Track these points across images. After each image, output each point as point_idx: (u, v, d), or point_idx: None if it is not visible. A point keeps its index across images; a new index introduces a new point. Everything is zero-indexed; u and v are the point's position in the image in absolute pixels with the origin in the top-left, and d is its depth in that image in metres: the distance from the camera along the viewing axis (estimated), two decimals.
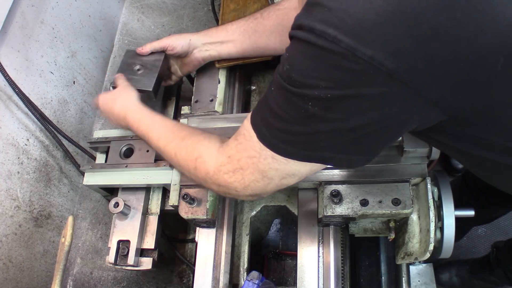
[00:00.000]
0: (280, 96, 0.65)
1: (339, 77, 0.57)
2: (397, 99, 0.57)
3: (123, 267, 1.17)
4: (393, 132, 0.66)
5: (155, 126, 1.00)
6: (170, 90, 1.38)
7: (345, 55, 0.54)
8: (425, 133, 0.69)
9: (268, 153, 0.70)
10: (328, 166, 0.73)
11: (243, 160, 0.75)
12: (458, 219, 0.99)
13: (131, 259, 1.14)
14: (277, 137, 0.68)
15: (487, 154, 0.67)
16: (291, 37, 0.62)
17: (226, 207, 1.17)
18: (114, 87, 1.16)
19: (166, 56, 1.23)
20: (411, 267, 1.23)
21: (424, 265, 1.22)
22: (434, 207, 0.97)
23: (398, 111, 0.59)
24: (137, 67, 1.21)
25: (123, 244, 1.17)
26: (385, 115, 0.60)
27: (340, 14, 0.53)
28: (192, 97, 1.27)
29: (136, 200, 1.21)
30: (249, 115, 0.76)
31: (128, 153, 1.24)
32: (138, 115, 1.04)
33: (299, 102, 0.61)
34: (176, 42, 1.19)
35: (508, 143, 0.63)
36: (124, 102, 1.08)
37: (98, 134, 1.31)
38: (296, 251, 1.11)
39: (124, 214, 1.18)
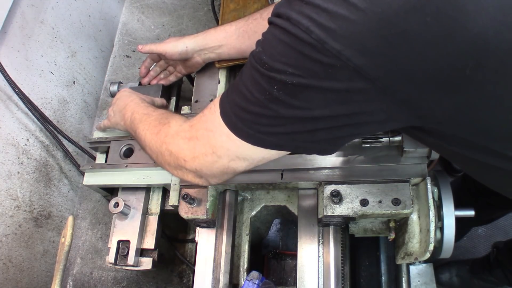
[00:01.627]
0: (249, 76, 0.66)
1: (307, 66, 0.58)
2: (363, 95, 0.58)
3: (123, 267, 1.17)
4: (359, 128, 0.67)
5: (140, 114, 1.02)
6: (170, 90, 1.38)
7: (315, 46, 0.56)
8: (416, 134, 0.70)
9: (224, 130, 0.71)
10: (286, 154, 0.74)
11: (201, 131, 0.76)
12: (458, 220, 0.99)
13: (131, 259, 1.14)
14: (237, 115, 0.69)
15: (477, 156, 0.68)
16: (270, 22, 0.64)
17: (226, 207, 1.17)
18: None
19: (163, 87, 1.31)
20: (411, 267, 1.23)
21: (424, 265, 1.22)
22: (434, 207, 0.97)
23: (364, 108, 0.60)
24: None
25: (123, 244, 1.17)
26: (350, 110, 0.61)
27: (315, 8, 0.55)
28: (192, 97, 1.27)
29: (136, 200, 1.22)
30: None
31: (128, 153, 1.24)
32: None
33: (265, 84, 0.63)
34: (174, 50, 1.19)
35: (490, 144, 0.64)
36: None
37: (98, 134, 1.31)
38: (296, 251, 1.11)
39: (124, 214, 1.18)
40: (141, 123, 0.96)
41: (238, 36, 1.15)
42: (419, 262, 1.17)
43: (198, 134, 0.77)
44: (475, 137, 0.64)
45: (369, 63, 0.55)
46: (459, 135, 0.64)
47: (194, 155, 0.78)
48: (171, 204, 1.14)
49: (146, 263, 1.17)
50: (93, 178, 1.23)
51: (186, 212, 1.09)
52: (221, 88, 1.26)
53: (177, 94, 1.38)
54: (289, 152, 0.73)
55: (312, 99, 0.61)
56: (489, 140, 0.63)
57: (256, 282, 1.03)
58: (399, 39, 0.53)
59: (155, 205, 1.23)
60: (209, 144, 0.75)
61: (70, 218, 0.97)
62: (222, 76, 1.29)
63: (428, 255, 0.96)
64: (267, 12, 1.13)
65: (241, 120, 0.68)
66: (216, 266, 1.12)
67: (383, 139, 1.04)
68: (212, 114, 0.74)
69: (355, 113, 0.61)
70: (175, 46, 1.19)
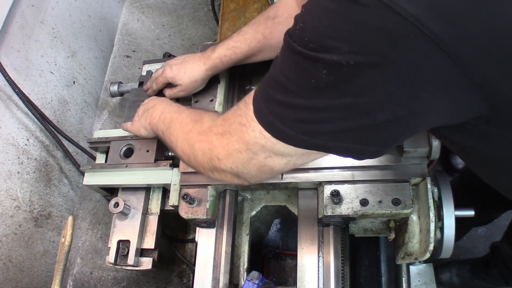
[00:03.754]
0: (287, 62, 0.55)
1: (367, 39, 0.45)
2: (435, 75, 0.46)
3: (123, 267, 1.17)
4: (417, 123, 0.54)
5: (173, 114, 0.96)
6: None
7: (380, 11, 0.43)
8: (443, 132, 0.60)
9: (258, 126, 0.62)
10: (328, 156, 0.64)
11: (234, 126, 0.68)
12: (457, 220, 0.99)
13: (131, 259, 1.14)
14: (275, 113, 0.58)
15: None
16: None
17: (226, 207, 1.17)
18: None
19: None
20: (411, 267, 1.23)
21: (424, 265, 1.22)
22: (434, 207, 0.97)
23: (433, 93, 0.48)
24: (141, 103, 1.26)
25: (123, 244, 1.17)
26: (414, 97, 0.49)
27: None
28: (192, 97, 1.27)
29: (136, 200, 1.21)
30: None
31: (128, 153, 1.24)
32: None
33: (310, 69, 0.50)
34: (189, 88, 1.17)
35: None
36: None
37: (98, 134, 1.31)
38: (296, 251, 1.11)
39: (124, 214, 1.18)
40: (172, 122, 0.90)
41: (245, 57, 1.10)
42: (419, 262, 1.17)
43: (231, 129, 0.68)
44: None
45: (452, 32, 0.43)
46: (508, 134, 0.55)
47: (228, 152, 0.69)
48: (171, 204, 1.14)
49: (146, 263, 1.17)
50: (93, 178, 1.23)
51: (186, 212, 1.09)
52: (221, 88, 1.26)
53: None
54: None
55: (371, 83, 0.48)
56: None
57: (256, 282, 1.03)
58: (491, 2, 0.42)
59: (155, 205, 1.23)
60: (242, 140, 0.66)
61: (70, 218, 0.97)
62: (222, 76, 1.29)
63: (428, 255, 0.96)
64: (269, 30, 1.06)
65: (280, 119, 0.58)
66: (216, 266, 1.12)
67: None
68: (246, 108, 0.65)
69: (420, 101, 0.49)
70: (188, 86, 1.16)
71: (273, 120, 0.59)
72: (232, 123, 0.69)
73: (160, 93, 1.27)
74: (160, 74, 1.20)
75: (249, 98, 0.66)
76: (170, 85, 1.22)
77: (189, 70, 1.15)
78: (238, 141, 0.67)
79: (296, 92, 0.54)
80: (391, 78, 0.47)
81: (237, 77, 1.37)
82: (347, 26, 0.46)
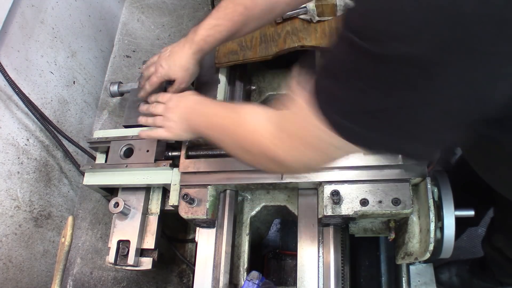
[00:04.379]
0: (358, 60, 0.49)
1: (456, 25, 0.40)
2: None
3: (123, 267, 1.17)
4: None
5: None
6: None
7: None
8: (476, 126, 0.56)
9: (327, 130, 0.57)
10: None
11: (297, 132, 0.65)
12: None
13: (131, 259, 1.14)
14: (345, 115, 0.54)
15: None
16: None
17: (226, 207, 1.17)
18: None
19: (165, 88, 1.26)
20: (411, 267, 1.23)
21: (424, 265, 1.22)
22: (434, 207, 0.97)
23: (506, 81, 0.44)
24: (142, 103, 1.27)
25: (123, 244, 1.17)
26: (495, 86, 0.44)
27: None
28: None
29: (136, 200, 1.21)
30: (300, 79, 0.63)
31: (128, 153, 1.24)
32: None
33: (387, 65, 0.44)
34: (185, 78, 1.13)
35: None
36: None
37: (98, 134, 1.31)
38: (296, 251, 1.11)
39: (124, 214, 1.18)
40: (218, 129, 0.86)
41: (228, 34, 1.05)
42: (419, 262, 1.17)
43: (296, 136, 0.65)
44: None
45: None
46: None
47: (297, 157, 0.68)
48: (171, 204, 1.14)
49: (146, 263, 1.17)
50: (93, 178, 1.23)
51: (186, 212, 1.10)
52: (221, 88, 1.26)
53: None
54: None
55: (462, 77, 0.43)
56: None
57: (256, 282, 1.03)
58: None
59: (155, 205, 1.23)
60: (311, 144, 0.63)
61: (70, 218, 0.97)
62: (222, 76, 1.29)
63: (428, 255, 0.96)
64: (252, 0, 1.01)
65: (350, 119, 0.54)
66: (216, 266, 1.12)
67: None
68: (303, 111, 0.60)
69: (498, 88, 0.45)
70: (184, 76, 1.12)
71: (344, 123, 0.55)
72: (292, 129, 0.65)
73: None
74: (152, 73, 1.17)
75: (302, 101, 0.60)
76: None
77: (178, 61, 1.11)
78: (306, 145, 0.64)
79: (370, 93, 0.50)
80: (492, 69, 0.43)
81: (237, 77, 1.37)
82: (434, 10, 0.40)
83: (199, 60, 1.12)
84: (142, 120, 1.13)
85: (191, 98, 1.03)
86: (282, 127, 0.68)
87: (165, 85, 1.31)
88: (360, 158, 1.03)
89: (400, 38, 0.42)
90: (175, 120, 1.02)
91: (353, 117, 0.54)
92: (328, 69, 0.56)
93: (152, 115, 1.09)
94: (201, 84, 1.29)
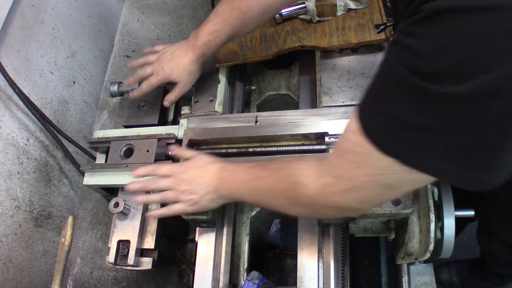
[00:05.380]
0: (429, 103, 0.48)
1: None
2: None
3: (123, 267, 1.17)
4: None
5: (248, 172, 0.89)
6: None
7: None
8: None
9: (400, 168, 0.56)
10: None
11: (360, 179, 0.63)
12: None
13: (131, 259, 1.14)
14: (423, 151, 0.53)
15: None
16: (437, 12, 0.43)
17: (226, 207, 1.17)
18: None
19: (165, 88, 1.30)
20: (411, 267, 1.23)
21: (424, 265, 1.22)
22: (434, 207, 0.97)
23: None
24: (142, 103, 1.33)
25: (123, 244, 1.17)
26: None
27: None
28: (192, 97, 1.27)
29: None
30: (349, 128, 0.62)
31: (128, 153, 1.24)
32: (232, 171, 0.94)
33: (462, 105, 0.45)
34: (188, 82, 1.17)
35: None
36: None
37: (98, 134, 1.31)
38: (296, 251, 1.11)
39: (124, 214, 1.18)
40: (262, 192, 0.85)
41: (226, 37, 1.09)
42: (419, 262, 1.17)
43: (357, 183, 0.64)
44: None
45: None
46: None
47: (363, 200, 0.68)
48: None
49: (146, 263, 1.17)
50: (93, 178, 1.23)
51: None
52: (221, 88, 1.26)
53: None
54: None
55: None
56: None
57: (256, 282, 1.03)
58: None
59: (155, 205, 1.23)
60: (380, 186, 0.63)
61: (70, 218, 0.97)
62: (222, 76, 1.29)
63: (428, 255, 0.96)
64: (246, 3, 1.03)
65: (426, 153, 0.53)
66: (216, 266, 1.12)
67: None
68: (366, 158, 0.59)
69: None
70: (187, 82, 1.16)
71: (422, 157, 0.54)
72: (353, 177, 0.64)
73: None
74: (150, 74, 1.18)
75: (361, 148, 0.59)
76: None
77: (181, 65, 1.13)
78: (375, 188, 0.64)
79: (447, 132, 0.49)
80: None
81: (237, 77, 1.37)
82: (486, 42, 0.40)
83: (200, 65, 1.16)
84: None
85: (212, 167, 0.96)
86: (334, 173, 0.67)
87: (165, 86, 1.31)
88: None
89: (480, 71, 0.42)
90: (198, 193, 0.95)
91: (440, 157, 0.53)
92: (399, 120, 0.54)
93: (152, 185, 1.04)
94: (201, 84, 1.29)
